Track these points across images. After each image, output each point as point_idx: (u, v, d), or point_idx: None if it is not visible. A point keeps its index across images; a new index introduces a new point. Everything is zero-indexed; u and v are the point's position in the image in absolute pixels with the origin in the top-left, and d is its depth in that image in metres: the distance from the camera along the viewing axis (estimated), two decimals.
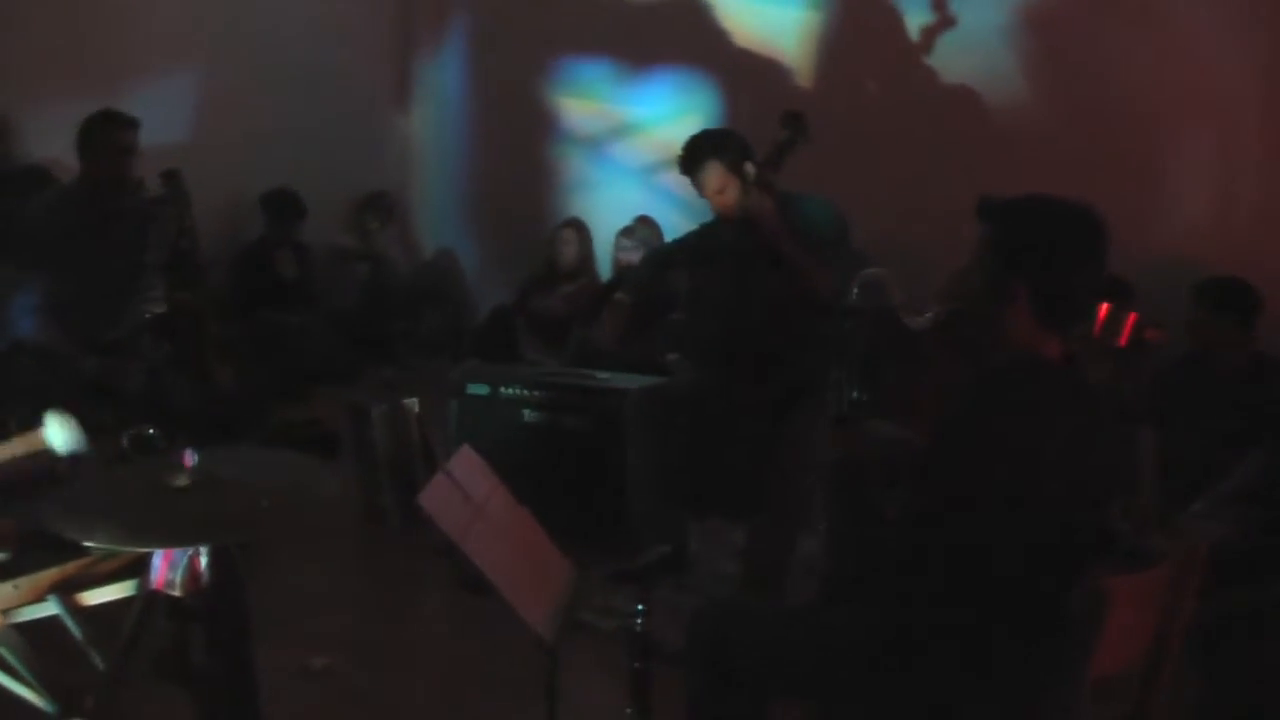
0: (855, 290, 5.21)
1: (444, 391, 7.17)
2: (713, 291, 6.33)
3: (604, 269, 9.58)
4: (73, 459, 3.63)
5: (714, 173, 6.13)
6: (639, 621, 3.72)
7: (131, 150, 6.87)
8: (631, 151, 10.11)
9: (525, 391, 6.68)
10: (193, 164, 8.74)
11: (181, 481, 3.32)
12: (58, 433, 3.64)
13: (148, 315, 6.63)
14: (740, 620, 3.71)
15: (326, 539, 6.62)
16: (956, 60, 8.59)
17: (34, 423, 4.32)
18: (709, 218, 6.45)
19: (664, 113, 9.81)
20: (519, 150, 10.64)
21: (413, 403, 7.03)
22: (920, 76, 8.72)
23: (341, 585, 6.40)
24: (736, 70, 9.49)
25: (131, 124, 6.91)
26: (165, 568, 3.47)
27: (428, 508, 3.23)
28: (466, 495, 3.40)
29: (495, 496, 3.55)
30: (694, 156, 6.21)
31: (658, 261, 7.14)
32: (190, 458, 3.37)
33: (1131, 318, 5.46)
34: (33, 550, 3.71)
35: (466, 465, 3.53)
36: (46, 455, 3.74)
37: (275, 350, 9.08)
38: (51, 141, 8.56)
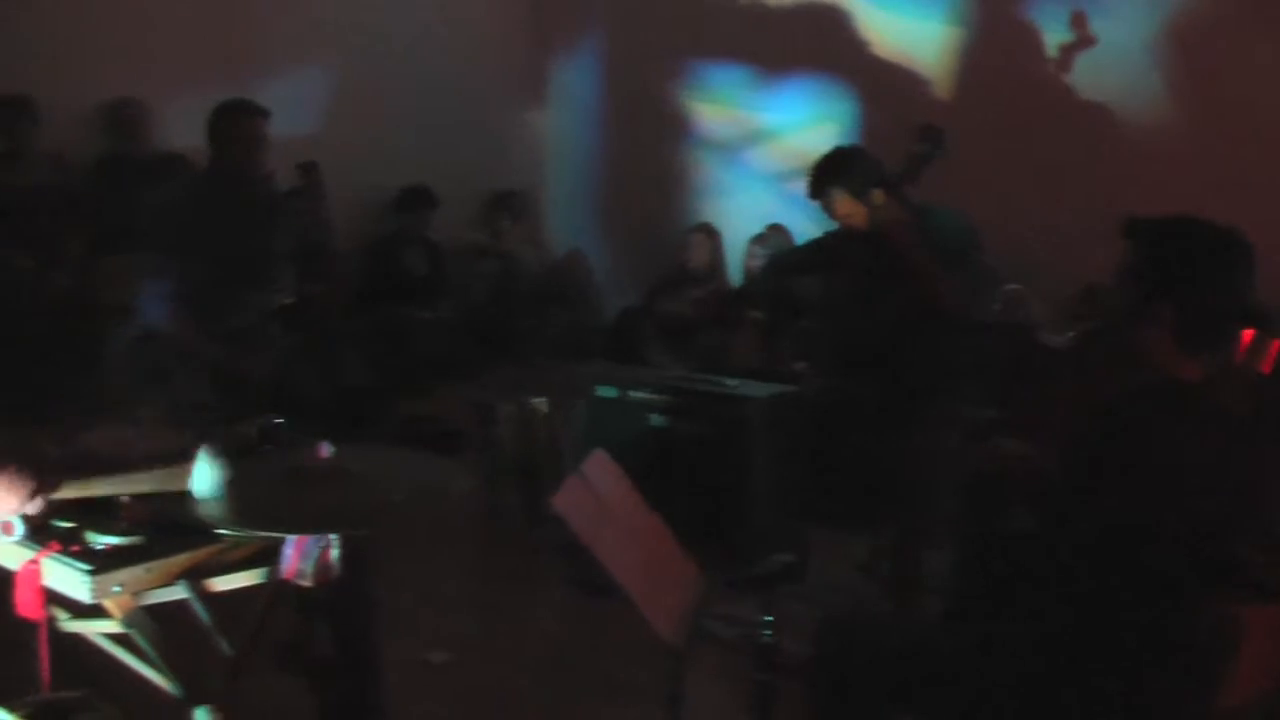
0: (995, 306, 5.17)
1: (570, 392, 7.17)
2: (841, 302, 6.30)
3: (734, 275, 9.56)
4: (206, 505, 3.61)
5: (840, 200, 6.09)
6: (766, 633, 3.69)
7: (261, 140, 6.91)
8: (764, 158, 10.10)
9: (653, 395, 6.64)
10: (327, 157, 8.87)
11: (316, 473, 3.34)
12: (204, 474, 3.63)
13: (276, 305, 6.66)
14: (867, 635, 3.69)
15: (449, 535, 6.65)
16: (1095, 78, 8.51)
17: (164, 414, 4.37)
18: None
19: (798, 120, 9.79)
20: (651, 153, 10.65)
21: (541, 402, 7.03)
22: (1058, 93, 8.65)
23: (463, 582, 6.42)
24: (873, 80, 9.44)
25: (261, 113, 6.94)
26: (296, 558, 3.49)
27: (560, 509, 3.23)
28: (598, 498, 3.39)
29: (627, 501, 3.55)
30: (819, 183, 6.17)
31: (779, 270, 7.12)
32: (325, 449, 3.39)
33: (1276, 344, 5.36)
34: (165, 534, 3.73)
35: (599, 468, 3.53)
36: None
37: (402, 345, 9.14)
38: (187, 131, 8.68)
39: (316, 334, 6.99)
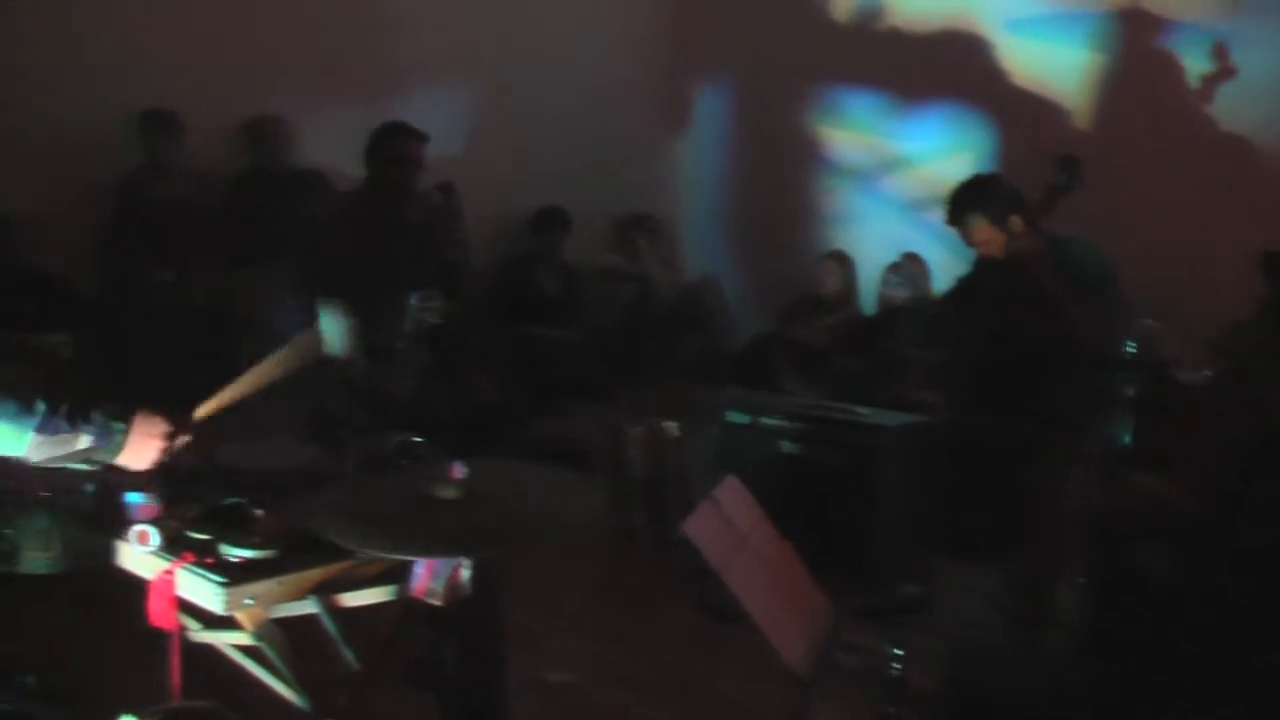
0: (1131, 342, 5.10)
1: (700, 416, 7.16)
2: (975, 332, 6.25)
3: (867, 303, 9.52)
4: (342, 361, 3.66)
5: (978, 227, 6.07)
6: (895, 664, 3.66)
7: (419, 162, 6.99)
8: (899, 186, 10.04)
9: (785, 422, 6.61)
10: (464, 177, 8.94)
11: (449, 493, 3.35)
12: (331, 327, 3.67)
13: (426, 325, 6.69)
14: (996, 670, 3.65)
15: (575, 554, 6.66)
16: (1236, 110, 8.38)
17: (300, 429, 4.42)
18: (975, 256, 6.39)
19: (934, 148, 9.73)
20: (785, 179, 10.63)
21: (671, 426, 7.02)
22: (1198, 125, 8.53)
23: (587, 602, 6.43)
24: (1011, 109, 9.37)
25: (420, 137, 7.03)
26: (427, 577, 3.51)
27: (692, 535, 3.22)
28: (731, 525, 3.39)
29: (758, 528, 3.54)
30: (958, 210, 6.15)
31: (930, 313, 7.08)
32: (459, 470, 3.41)
33: None
34: (298, 549, 3.77)
35: (732, 495, 3.52)
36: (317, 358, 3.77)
37: (535, 365, 9.18)
38: (327, 147, 8.80)
39: (450, 353, 7.02)
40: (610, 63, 10.45)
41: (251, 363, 3.81)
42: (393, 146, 7.00)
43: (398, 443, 4.79)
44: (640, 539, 6.92)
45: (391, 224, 6.93)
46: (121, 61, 8.37)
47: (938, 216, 8.03)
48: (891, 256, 9.29)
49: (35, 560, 3.60)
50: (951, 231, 6.49)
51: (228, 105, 8.86)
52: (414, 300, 6.53)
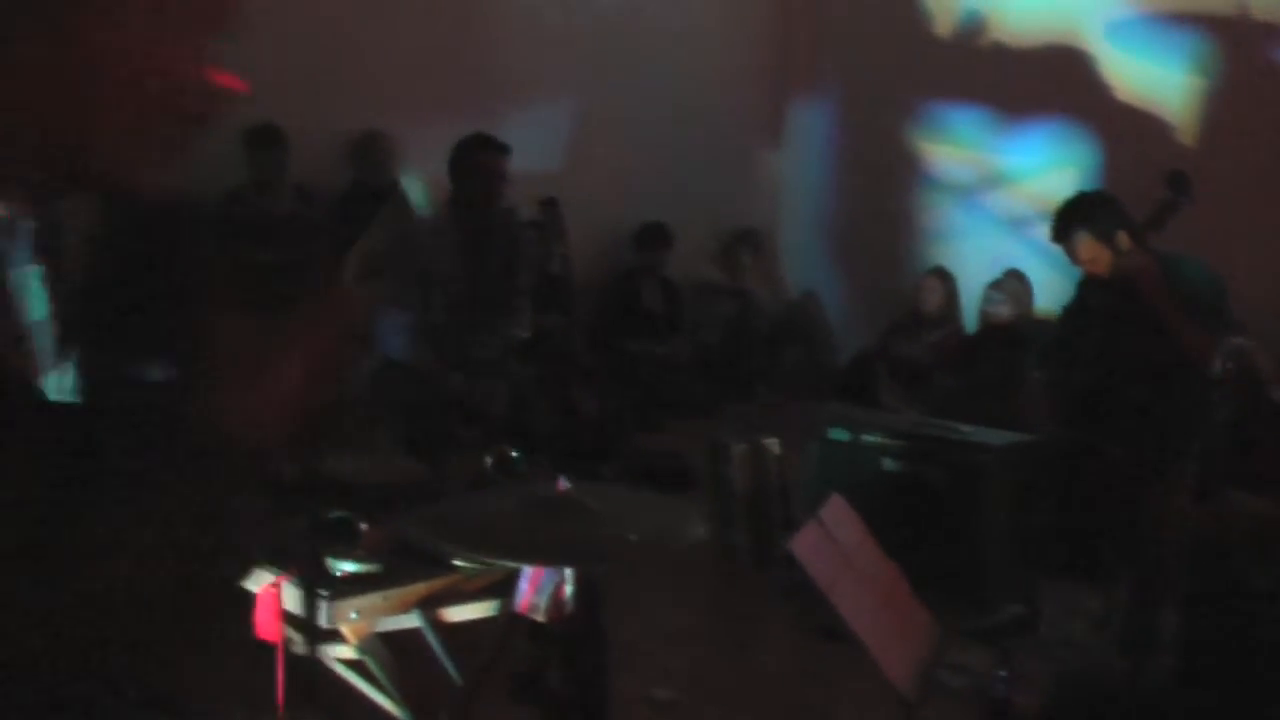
0: (1221, 359, 5.02)
1: (802, 432, 7.12)
2: (1084, 350, 6.19)
3: (969, 319, 9.46)
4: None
5: (1084, 243, 6.00)
6: (1000, 686, 3.63)
7: (502, 175, 6.97)
8: (1002, 202, 9.99)
9: (887, 439, 6.56)
10: (567, 192, 8.97)
11: (553, 507, 3.35)
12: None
13: (515, 339, 6.70)
14: (1100, 693, 3.62)
15: (677, 570, 6.64)
16: None
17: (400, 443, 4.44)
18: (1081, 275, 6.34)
19: (1038, 164, 9.68)
20: (887, 194, 10.60)
21: (773, 443, 6.99)
22: None
23: (690, 619, 6.41)
24: (1116, 125, 9.30)
25: (502, 149, 7.01)
26: (531, 591, 3.51)
27: (798, 553, 3.21)
28: (836, 544, 3.37)
29: (864, 547, 3.52)
30: (1064, 226, 6.08)
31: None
32: (563, 484, 3.41)
33: None
34: (403, 563, 3.78)
35: (837, 514, 3.51)
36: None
37: (637, 380, 9.20)
38: (427, 161, 8.84)
39: (553, 368, 7.04)
40: (713, 78, 10.46)
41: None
42: (474, 159, 7.00)
43: (494, 456, 4.80)
44: (742, 555, 6.90)
45: (478, 238, 6.93)
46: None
47: (1041, 233, 7.96)
48: (993, 273, 9.21)
49: None
50: (1055, 248, 6.43)
51: (332, 120, 8.94)
52: (504, 313, 6.54)
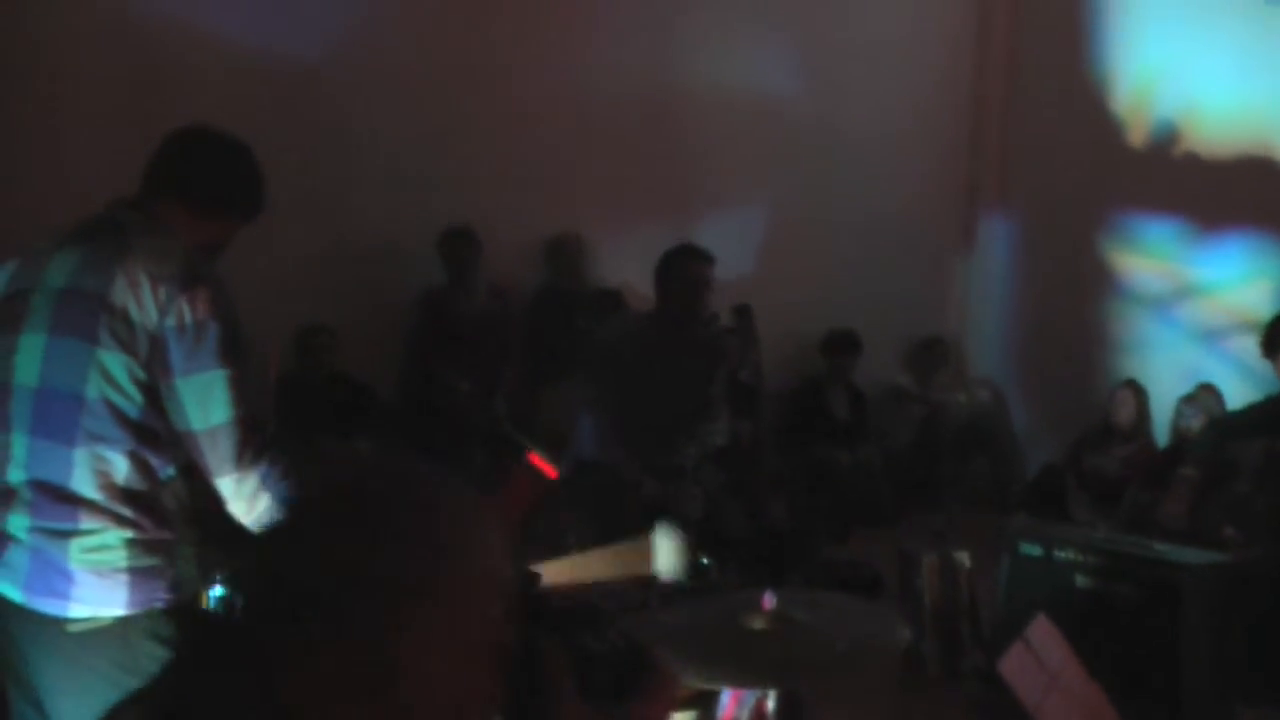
0: None
1: (990, 544, 7.06)
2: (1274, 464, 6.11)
3: (1160, 434, 9.33)
4: (667, 587, 3.70)
5: None
6: None
7: (707, 284, 7.02)
8: (1195, 314, 9.84)
9: (1079, 556, 6.46)
10: (758, 298, 9.03)
11: (759, 623, 3.38)
12: (665, 551, 3.71)
13: (713, 447, 6.70)
14: None
15: (865, 679, 6.59)
16: None
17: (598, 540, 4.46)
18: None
19: (1233, 276, 9.53)
20: (1077, 304, 10.50)
21: (963, 556, 6.94)
22: None
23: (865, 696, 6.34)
24: None
25: (708, 259, 7.06)
26: (733, 705, 3.54)
27: (1006, 674, 3.22)
28: (1042, 664, 3.37)
29: (1069, 668, 3.51)
30: (1274, 341, 6.00)
31: (1222, 431, 6.92)
32: (769, 599, 3.44)
33: None
34: None
35: (1042, 634, 3.50)
36: (644, 577, 3.83)
37: (825, 487, 9.19)
38: (625, 266, 8.96)
39: (743, 474, 7.05)
40: (904, 186, 10.47)
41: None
42: (680, 268, 7.05)
43: (688, 565, 4.82)
44: (931, 667, 6.83)
45: (679, 345, 6.97)
46: (428, 177, 8.68)
47: (1235, 345, 7.87)
48: (1186, 387, 9.09)
49: None
50: (1251, 362, 6.36)
51: (529, 222, 9.11)
52: (703, 421, 6.55)
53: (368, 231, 8.54)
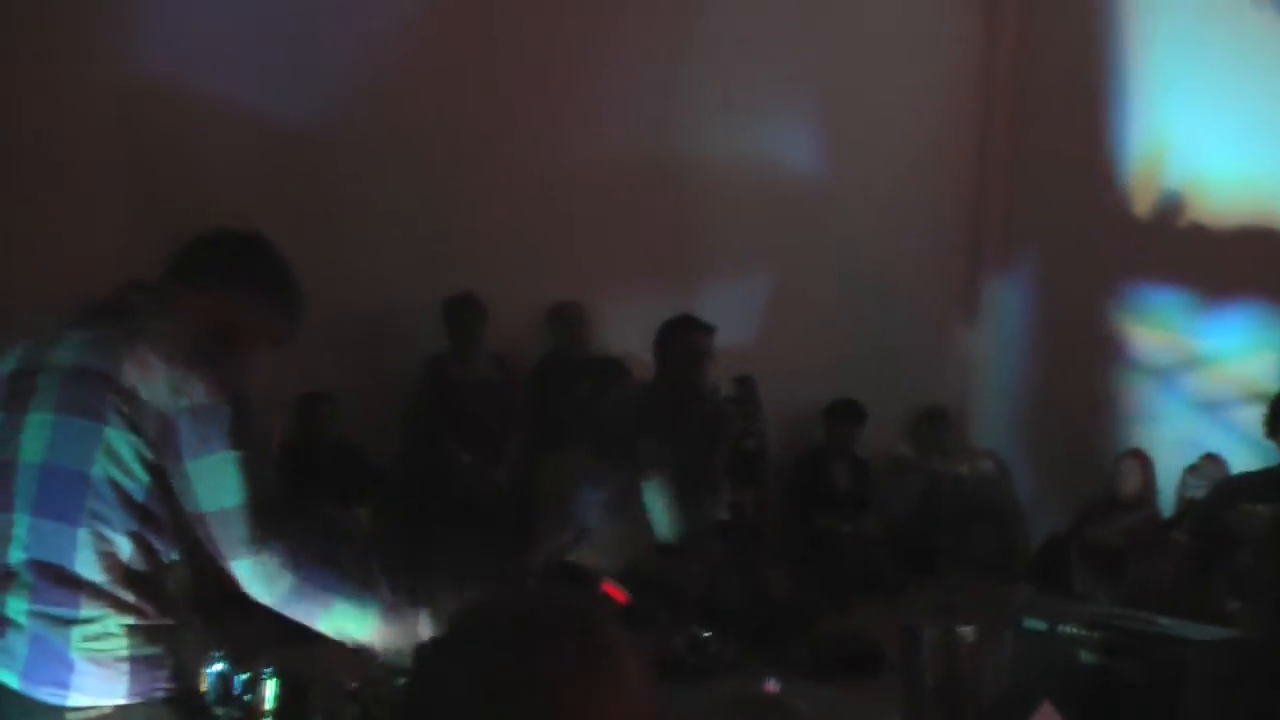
0: None
1: (994, 617, 7.01)
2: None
3: (1165, 504, 9.28)
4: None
5: None
6: None
7: (707, 355, 6.99)
8: (1200, 385, 9.81)
9: (1083, 631, 6.41)
10: (759, 366, 9.02)
11: (765, 710, 3.34)
12: (655, 505, 3.66)
13: (715, 518, 6.63)
14: None
15: None
16: None
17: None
18: None
19: (1239, 347, 9.51)
20: (1081, 374, 10.48)
21: (966, 631, 6.87)
22: None
23: None
24: None
25: (708, 330, 7.04)
26: None
27: None
28: None
29: None
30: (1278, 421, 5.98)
31: (1221, 500, 6.89)
32: (773, 685, 3.41)
33: None
34: None
35: None
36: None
37: (826, 557, 9.15)
38: (627, 334, 8.95)
39: (744, 544, 6.99)
40: (907, 255, 10.48)
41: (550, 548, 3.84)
42: (681, 339, 7.03)
43: (686, 638, 4.79)
44: None
45: (681, 416, 6.94)
46: (430, 244, 8.69)
47: (1240, 417, 7.83)
48: (1190, 457, 9.06)
49: None
50: (1256, 434, 6.33)
51: (531, 290, 9.10)
52: (705, 493, 6.49)
53: (368, 298, 8.54)
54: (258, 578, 3.26)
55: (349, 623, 3.32)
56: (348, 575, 3.31)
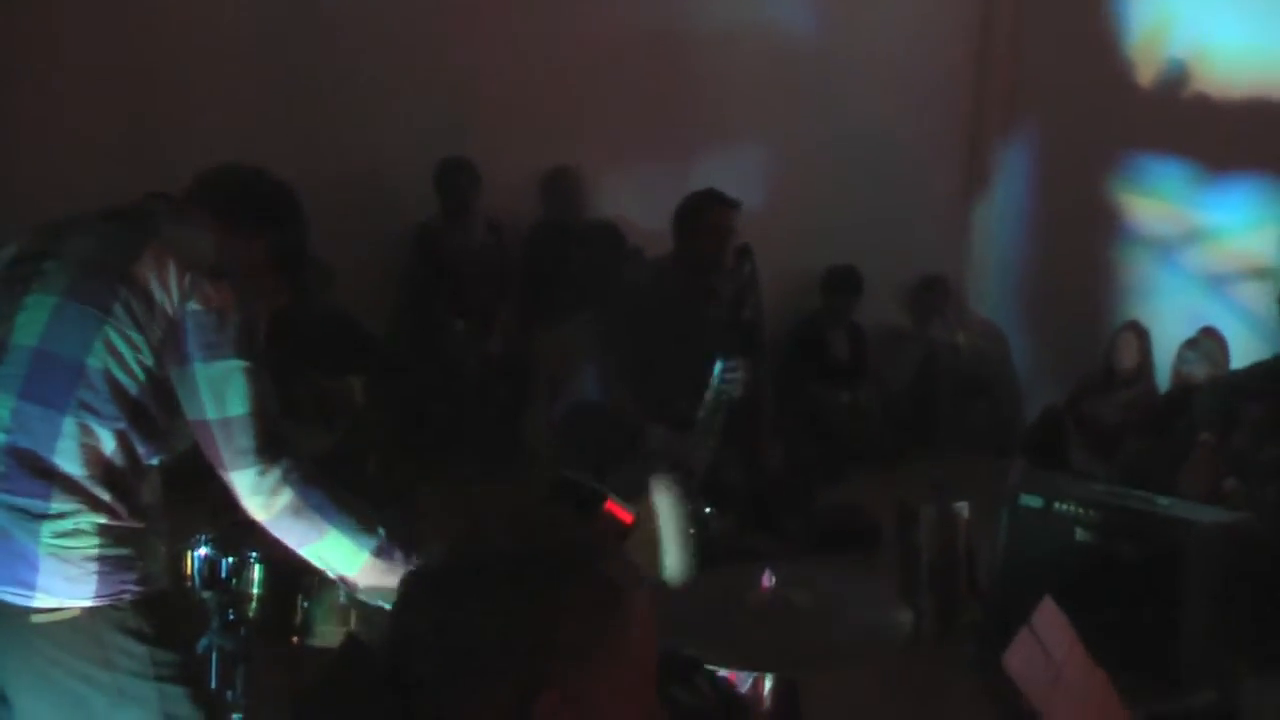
0: None
1: (989, 491, 6.98)
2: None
3: (1161, 379, 9.21)
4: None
5: None
6: None
7: (730, 231, 6.84)
8: (1201, 258, 9.71)
9: (1080, 509, 6.36)
10: (756, 234, 8.89)
11: (757, 604, 3.29)
12: (665, 507, 3.61)
13: (731, 395, 6.44)
14: None
15: None
16: None
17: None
18: None
19: (1239, 220, 9.41)
20: (1082, 246, 10.36)
21: (962, 507, 6.84)
22: None
23: (871, 689, 6.25)
24: None
25: (733, 205, 6.89)
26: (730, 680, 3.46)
27: (1010, 668, 3.13)
28: (1048, 654, 3.28)
29: (1073, 655, 3.41)
30: None
31: (1226, 390, 6.83)
32: (768, 579, 3.35)
33: None
34: None
35: (1048, 621, 3.41)
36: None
37: (822, 429, 9.12)
38: (620, 200, 8.84)
39: (740, 418, 6.88)
40: (908, 124, 10.32)
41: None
42: (705, 215, 6.83)
43: (691, 514, 4.73)
44: (926, 624, 6.74)
45: (701, 295, 6.77)
46: (424, 109, 8.56)
47: (1241, 292, 7.74)
48: (1188, 331, 8.97)
49: (328, 634, 3.62)
50: (1255, 309, 6.25)
51: (525, 156, 8.98)
52: (718, 371, 6.34)
53: (359, 163, 8.40)
54: (259, 490, 3.21)
55: (338, 555, 3.28)
56: (347, 508, 3.26)
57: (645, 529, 3.76)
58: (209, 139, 6.95)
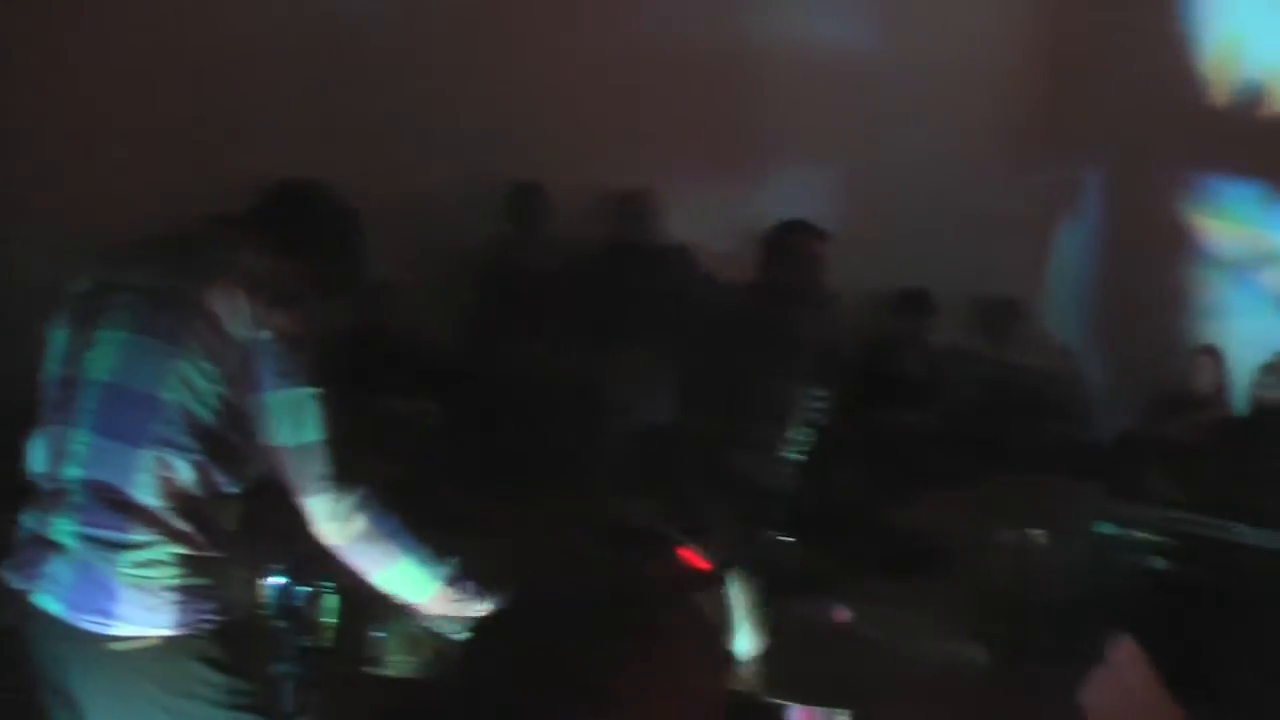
0: None
1: (1065, 517, 6.92)
2: None
3: (1238, 402, 9.12)
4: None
5: None
6: None
7: (819, 261, 6.83)
8: (1275, 280, 9.65)
9: (1155, 537, 6.32)
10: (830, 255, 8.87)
11: (833, 637, 3.28)
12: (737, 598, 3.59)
13: (816, 420, 6.40)
14: None
15: None
16: None
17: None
18: None
19: None
20: (1155, 268, 10.29)
21: (1039, 535, 6.77)
22: None
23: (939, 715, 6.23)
24: None
25: (820, 235, 6.87)
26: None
27: (1088, 704, 3.09)
28: (1125, 692, 3.24)
29: (1150, 695, 3.37)
30: None
31: None
32: (843, 613, 3.33)
33: None
34: None
35: (1127, 659, 3.37)
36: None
37: (893, 451, 9.05)
38: (690, 222, 8.82)
39: (815, 441, 6.84)
40: (980, 144, 10.25)
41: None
42: (796, 246, 6.80)
43: (766, 541, 4.71)
44: (999, 649, 6.69)
45: (787, 324, 6.73)
46: (492, 131, 8.55)
47: None
48: (1262, 355, 8.88)
49: (400, 663, 3.63)
50: None
51: (594, 177, 8.97)
52: (807, 400, 6.30)
53: (425, 184, 8.41)
54: (334, 516, 3.25)
55: (410, 582, 3.35)
56: (420, 537, 3.32)
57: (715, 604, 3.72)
58: (267, 153, 6.94)
